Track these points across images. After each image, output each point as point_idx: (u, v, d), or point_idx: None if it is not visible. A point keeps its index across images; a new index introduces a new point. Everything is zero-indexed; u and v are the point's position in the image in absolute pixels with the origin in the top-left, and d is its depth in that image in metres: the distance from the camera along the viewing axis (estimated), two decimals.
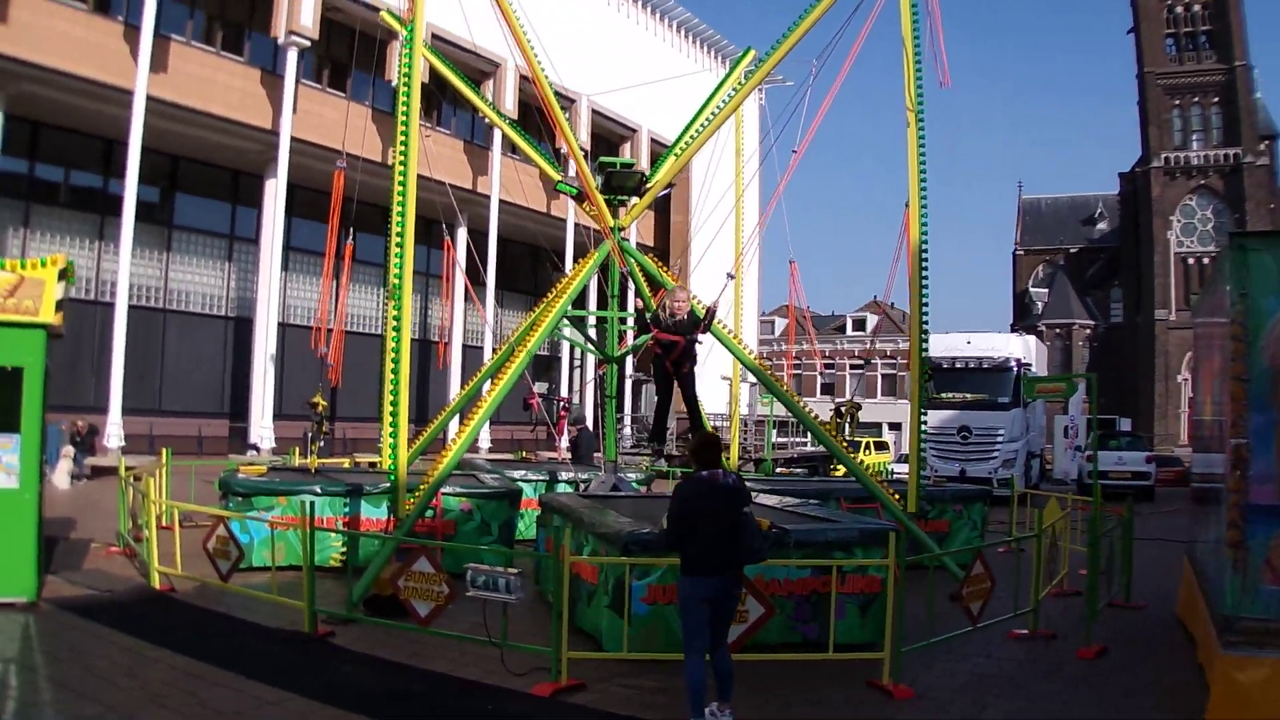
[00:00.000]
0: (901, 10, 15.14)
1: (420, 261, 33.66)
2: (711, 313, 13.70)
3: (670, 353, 13.02)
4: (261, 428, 31.94)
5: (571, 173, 18.30)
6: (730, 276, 16.85)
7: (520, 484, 16.98)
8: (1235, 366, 8.22)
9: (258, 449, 31.21)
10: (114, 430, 27.63)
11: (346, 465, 21.82)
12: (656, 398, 14.28)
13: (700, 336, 13.46)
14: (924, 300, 15.23)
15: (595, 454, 23.55)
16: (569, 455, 25.80)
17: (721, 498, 7.87)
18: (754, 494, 13.83)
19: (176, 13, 31.14)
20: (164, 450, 18.31)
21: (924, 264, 15.13)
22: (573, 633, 9.44)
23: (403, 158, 13.12)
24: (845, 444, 18.16)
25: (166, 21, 29.82)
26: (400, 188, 13.06)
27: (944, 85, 15.30)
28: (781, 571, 10.05)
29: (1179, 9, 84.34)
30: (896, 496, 15.31)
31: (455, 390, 34.58)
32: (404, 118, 13.66)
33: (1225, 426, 8.53)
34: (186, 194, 34.37)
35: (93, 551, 15.43)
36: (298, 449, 23.73)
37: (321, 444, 20.33)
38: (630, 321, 18.99)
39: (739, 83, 18.11)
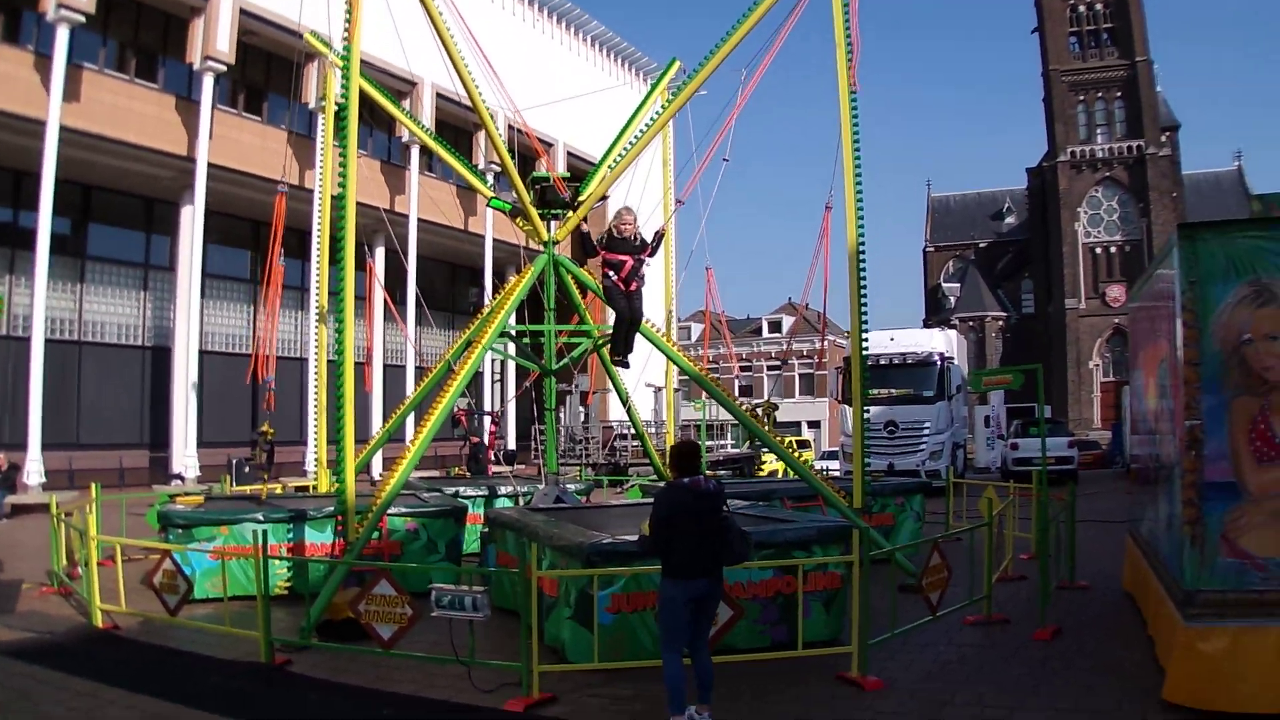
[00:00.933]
0: (834, 13, 15.27)
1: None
2: (659, 235, 14.56)
3: (619, 270, 13.26)
4: (185, 457, 31.54)
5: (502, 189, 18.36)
6: (680, 202, 17.48)
7: (461, 500, 16.91)
8: (1188, 352, 8.46)
9: (181, 478, 30.80)
10: (34, 466, 27.15)
11: (279, 490, 21.56)
12: (615, 315, 14.55)
13: (647, 259, 14.04)
14: (863, 301, 15.35)
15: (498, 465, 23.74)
16: (500, 468, 25.81)
17: (704, 502, 8.04)
18: None
19: (89, 41, 30.65)
20: (94, 485, 17.98)
21: (862, 266, 15.27)
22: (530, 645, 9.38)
23: (342, 181, 13.02)
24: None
25: (79, 50, 29.41)
26: (340, 212, 12.99)
27: (854, 90, 15.48)
28: (745, 574, 10.10)
29: (1081, 8, 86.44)
30: (842, 493, 15.45)
31: (379, 410, 34.33)
32: (342, 144, 13.52)
33: (1175, 409, 8.78)
34: (100, 223, 33.86)
35: (25, 593, 14.96)
36: (228, 477, 23.47)
37: (269, 472, 20.06)
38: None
39: (665, 95, 18.21)
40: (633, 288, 13.78)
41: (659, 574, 8.35)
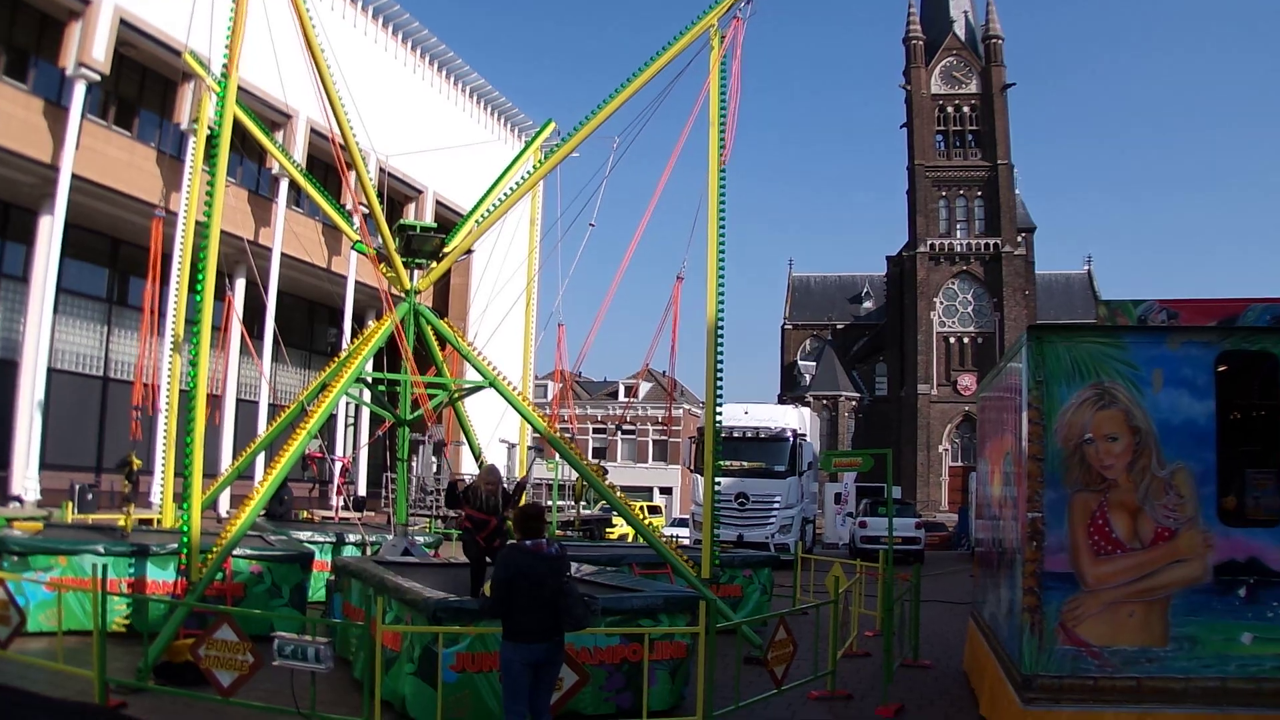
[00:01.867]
0: (711, 91, 15.56)
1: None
2: (521, 486, 14.50)
3: (481, 530, 13.00)
4: (26, 479, 30.24)
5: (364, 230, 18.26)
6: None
7: (309, 545, 16.62)
8: (1032, 447, 8.93)
9: (21, 501, 29.51)
10: None
11: (121, 522, 20.91)
12: (471, 568, 14.16)
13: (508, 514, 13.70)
14: (719, 374, 15.53)
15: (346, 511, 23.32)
16: (348, 514, 25.38)
17: (546, 566, 7.99)
18: None
19: None
20: None
21: (720, 339, 15.46)
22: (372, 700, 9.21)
23: (207, 210, 12.87)
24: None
25: None
26: (203, 239, 12.80)
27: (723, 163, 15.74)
28: (591, 640, 10.08)
29: (949, 109, 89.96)
30: (690, 562, 15.53)
31: (229, 446, 33.57)
32: (211, 170, 13.36)
33: (1018, 499, 9.16)
34: None
35: None
36: (70, 503, 22.66)
37: (134, 504, 19.41)
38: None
39: (539, 154, 18.35)
40: (495, 545, 13.41)
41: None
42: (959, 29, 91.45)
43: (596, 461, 35.34)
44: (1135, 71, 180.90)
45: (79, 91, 30.87)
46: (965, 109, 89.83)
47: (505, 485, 13.72)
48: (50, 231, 30.77)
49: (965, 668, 13.70)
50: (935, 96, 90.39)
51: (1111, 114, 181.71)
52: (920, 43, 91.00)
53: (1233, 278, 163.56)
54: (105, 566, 10.99)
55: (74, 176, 30.60)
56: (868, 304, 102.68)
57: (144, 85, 35.57)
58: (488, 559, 12.62)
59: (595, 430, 77.00)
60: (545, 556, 8.04)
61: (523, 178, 17.16)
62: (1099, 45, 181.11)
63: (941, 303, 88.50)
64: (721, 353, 15.55)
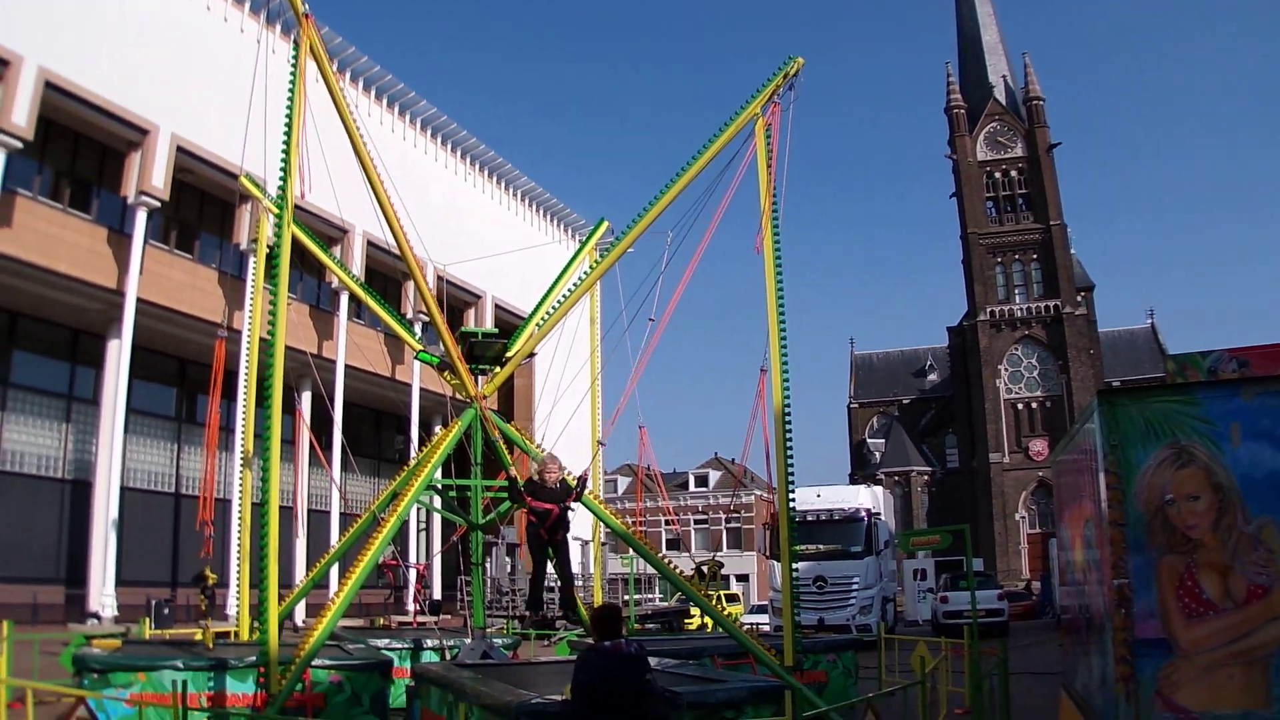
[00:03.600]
0: (761, 184, 15.63)
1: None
2: (583, 482, 14.34)
3: (545, 520, 13.09)
4: (103, 595, 30.55)
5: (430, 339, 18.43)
6: (601, 444, 17.19)
7: (387, 653, 16.56)
8: (1112, 512, 8.69)
9: (99, 617, 29.79)
10: None
11: (198, 636, 21.00)
12: (531, 565, 14.28)
13: (572, 505, 13.86)
14: (790, 459, 15.46)
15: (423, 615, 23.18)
16: (425, 619, 25.32)
17: (627, 668, 7.70)
18: None
19: (24, 167, 30.41)
20: (5, 622, 17.37)
21: (788, 425, 15.40)
22: None
23: (272, 325, 13.05)
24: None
25: (14, 175, 29.19)
26: (269, 355, 12.99)
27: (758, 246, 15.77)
28: None
29: (997, 174, 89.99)
30: (772, 650, 15.32)
31: (302, 557, 33.73)
32: (272, 288, 13.58)
33: (1102, 565, 8.92)
34: (24, 351, 33.28)
35: None
36: (147, 619, 22.81)
37: (211, 618, 19.52)
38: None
39: (594, 254, 18.46)
40: (558, 536, 13.57)
41: None
42: (999, 94, 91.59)
43: (712, 557, 35.25)
44: (1176, 112, 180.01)
45: (140, 219, 31.79)
46: (1013, 173, 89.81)
47: (566, 476, 13.90)
48: (118, 355, 31.50)
49: None
50: (982, 163, 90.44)
51: (1160, 158, 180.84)
52: (962, 111, 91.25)
53: None
54: (185, 682, 10.98)
55: (139, 300, 31.37)
56: (932, 376, 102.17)
57: (203, 209, 36.48)
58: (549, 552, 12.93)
59: (667, 522, 76.81)
60: (625, 657, 7.74)
61: (580, 278, 17.27)
62: (1140, 94, 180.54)
63: (1006, 369, 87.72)
64: (790, 437, 15.48)
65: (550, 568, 14.80)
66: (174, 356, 36.35)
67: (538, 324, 17.50)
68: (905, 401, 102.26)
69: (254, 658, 13.50)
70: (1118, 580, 8.61)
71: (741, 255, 16.02)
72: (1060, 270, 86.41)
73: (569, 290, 17.12)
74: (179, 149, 33.13)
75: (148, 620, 22.40)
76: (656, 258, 16.05)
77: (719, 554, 48.35)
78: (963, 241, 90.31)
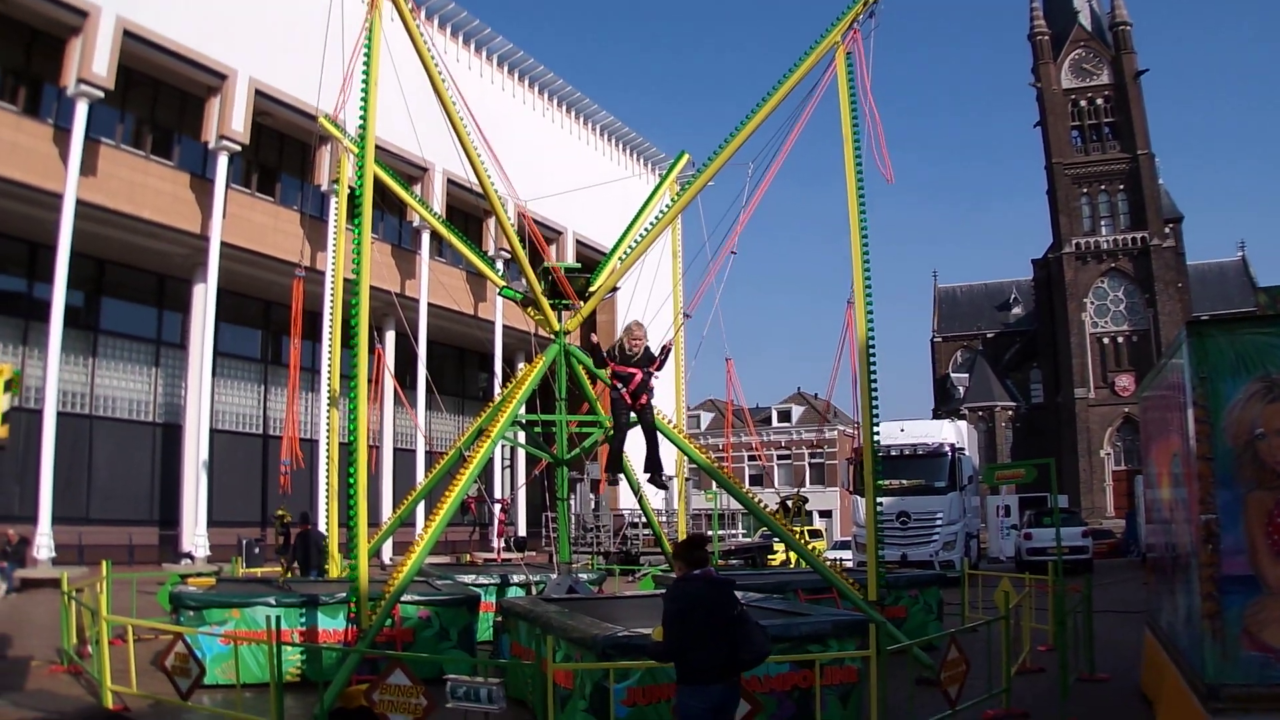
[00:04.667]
0: (842, 114, 15.46)
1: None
2: (667, 349, 14.58)
3: (628, 384, 13.18)
4: (195, 536, 31.32)
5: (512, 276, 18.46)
6: (687, 316, 17.62)
7: (474, 588, 16.79)
8: (1200, 447, 8.48)
9: (191, 557, 30.57)
10: (44, 541, 26.83)
11: (282, 574, 21.39)
12: (613, 428, 14.41)
13: (656, 372, 14.04)
14: (874, 393, 15.38)
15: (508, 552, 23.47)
16: (510, 555, 25.56)
17: (719, 593, 7.43)
18: None
19: (107, 116, 31.02)
20: (105, 562, 17.87)
21: (872, 358, 15.31)
22: None
23: (356, 265, 13.17)
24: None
25: (97, 124, 29.77)
26: (354, 296, 13.13)
27: (890, 182, 15.63)
28: (761, 668, 9.92)
29: (1083, 103, 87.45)
30: (856, 585, 15.32)
31: (389, 495, 34.22)
32: (355, 228, 13.68)
33: (1189, 501, 8.77)
34: (113, 298, 34.08)
35: (34, 670, 14.76)
36: (238, 558, 23.33)
37: (288, 556, 19.87)
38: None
39: (675, 187, 18.34)
40: (642, 401, 13.64)
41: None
42: (1084, 19, 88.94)
43: (795, 491, 35.25)
44: (1267, 37, 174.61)
45: (222, 163, 32.18)
46: (1099, 101, 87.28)
47: (649, 345, 14.05)
48: (204, 298, 32.05)
49: (1143, 679, 13.13)
50: (1067, 91, 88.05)
51: (1250, 87, 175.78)
52: (1046, 38, 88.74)
53: None
54: (278, 618, 11.21)
55: (223, 244, 31.85)
56: (1016, 310, 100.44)
57: (283, 151, 36.80)
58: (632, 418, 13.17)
59: (750, 457, 76.76)
60: (717, 582, 7.52)
61: (661, 211, 17.19)
62: (1229, 19, 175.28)
63: (1092, 303, 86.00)
64: (875, 372, 15.39)
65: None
66: (259, 299, 36.88)
67: (620, 258, 17.48)
68: (989, 335, 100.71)
69: (344, 594, 13.78)
70: (1205, 516, 8.41)
71: (823, 186, 15.91)
72: (1148, 201, 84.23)
73: (651, 224, 17.06)
74: (257, 92, 33.44)
75: (239, 559, 22.87)
76: (737, 190, 15.97)
77: (802, 489, 48.22)
78: (1047, 172, 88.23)
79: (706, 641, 7.22)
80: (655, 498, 38.52)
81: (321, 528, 21.58)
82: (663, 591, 15.75)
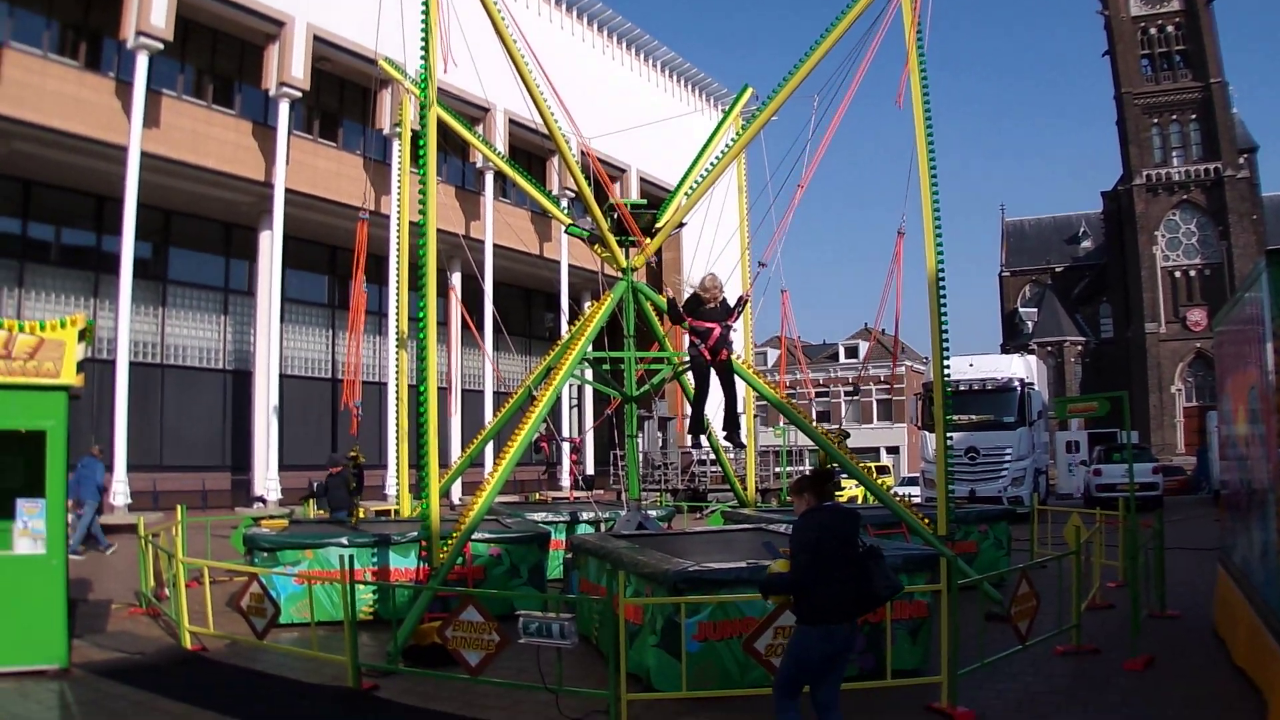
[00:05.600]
0: (909, 46, 15.24)
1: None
2: (744, 300, 14.27)
3: (706, 339, 13.10)
4: (267, 480, 31.83)
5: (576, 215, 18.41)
6: (762, 264, 17.11)
7: (544, 526, 16.93)
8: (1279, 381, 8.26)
9: (264, 501, 31.08)
10: (119, 488, 27.42)
11: (360, 514, 21.65)
12: (694, 387, 14.31)
13: (734, 324, 13.72)
14: (944, 327, 15.25)
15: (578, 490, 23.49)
16: (580, 493, 25.77)
17: (850, 523, 7.11)
18: (780, 526, 13.91)
19: (167, 67, 31.27)
20: (179, 507, 18.15)
21: (942, 291, 15.17)
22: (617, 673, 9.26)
23: (422, 208, 13.21)
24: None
25: (158, 76, 29.99)
26: (420, 239, 13.20)
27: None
28: None
29: (1153, 30, 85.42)
30: (926, 520, 15.28)
31: (458, 435, 34.49)
32: (419, 171, 13.71)
33: (1267, 436, 8.59)
34: (180, 248, 34.38)
35: (114, 612, 15.08)
36: (311, 501, 23.59)
37: (359, 496, 20.12)
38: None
39: (739, 123, 18.19)
40: (722, 356, 13.44)
41: (744, 601, 8.11)
42: None
43: (837, 427, 35.16)
44: None
45: (283, 110, 32.33)
46: (1169, 28, 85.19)
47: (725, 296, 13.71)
48: (271, 245, 32.35)
49: (1216, 616, 12.97)
50: (1136, 18, 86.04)
51: None
52: None
53: None
54: (351, 557, 11.34)
55: (287, 191, 32.08)
56: (1086, 244, 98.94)
57: (343, 96, 36.90)
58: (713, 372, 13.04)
59: (818, 394, 76.46)
60: (849, 513, 7.21)
61: (726, 147, 17.07)
62: None
63: (1164, 236, 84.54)
64: (945, 305, 15.24)
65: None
66: (324, 244, 37.10)
67: (685, 194, 17.41)
68: (1058, 269, 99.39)
69: (415, 533, 13.93)
70: None
71: (890, 120, 15.73)
72: (1221, 131, 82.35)
73: (715, 160, 16.95)
74: (315, 38, 33.52)
75: (311, 502, 23.14)
76: (801, 124, 15.81)
77: (851, 425, 47.66)
78: (1116, 102, 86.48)
79: (836, 574, 6.90)
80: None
81: (392, 470, 21.79)
82: (731, 527, 15.82)
